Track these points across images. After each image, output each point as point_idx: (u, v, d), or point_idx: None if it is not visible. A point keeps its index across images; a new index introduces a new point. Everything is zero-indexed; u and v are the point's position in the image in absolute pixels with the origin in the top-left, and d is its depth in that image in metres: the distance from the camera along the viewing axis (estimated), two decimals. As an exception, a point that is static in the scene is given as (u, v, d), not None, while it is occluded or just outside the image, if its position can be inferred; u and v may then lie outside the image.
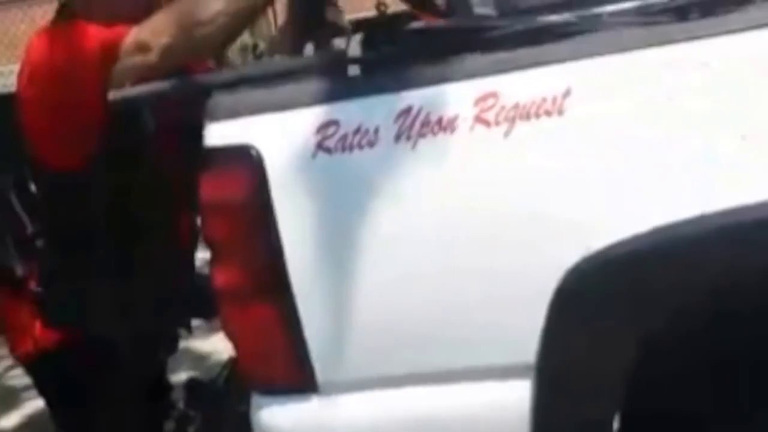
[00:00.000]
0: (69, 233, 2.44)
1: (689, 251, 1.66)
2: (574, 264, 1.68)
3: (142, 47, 2.18)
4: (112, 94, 1.91)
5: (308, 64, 1.89)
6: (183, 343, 4.14)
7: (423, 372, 1.80)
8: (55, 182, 2.41)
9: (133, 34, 2.20)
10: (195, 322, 3.89)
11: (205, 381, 2.72)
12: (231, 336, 1.88)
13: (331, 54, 1.86)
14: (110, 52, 2.21)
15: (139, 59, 2.18)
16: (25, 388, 4.03)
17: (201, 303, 2.65)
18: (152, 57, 2.17)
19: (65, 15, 2.40)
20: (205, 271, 2.00)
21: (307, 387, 1.82)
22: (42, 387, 2.70)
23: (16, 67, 2.63)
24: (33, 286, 2.51)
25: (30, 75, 2.36)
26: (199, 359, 3.92)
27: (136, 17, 2.26)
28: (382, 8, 2.64)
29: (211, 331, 3.91)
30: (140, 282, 2.45)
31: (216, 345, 3.77)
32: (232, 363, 2.63)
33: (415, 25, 2.07)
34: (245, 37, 5.90)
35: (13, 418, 3.81)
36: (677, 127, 1.68)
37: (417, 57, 1.81)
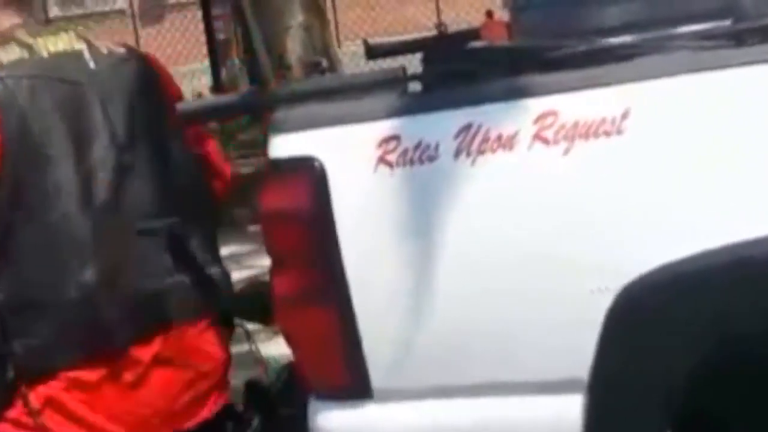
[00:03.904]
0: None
1: (743, 274, 1.67)
2: (628, 283, 1.69)
3: None
4: (182, 106, 1.97)
5: (371, 80, 1.93)
6: (243, 347, 4.21)
7: (476, 384, 1.82)
8: None
9: None
10: (254, 327, 3.95)
11: (263, 384, 2.75)
12: (289, 341, 1.92)
13: (393, 70, 1.90)
14: None
15: None
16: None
17: (261, 308, 2.69)
18: None
19: None
20: (266, 278, 2.05)
21: (362, 393, 1.86)
22: None
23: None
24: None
25: None
26: (258, 363, 3.97)
27: None
28: (442, 28, 2.67)
29: (272, 335, 3.95)
30: None
31: (275, 349, 3.81)
32: (290, 367, 2.67)
33: (476, 44, 2.10)
34: (307, 53, 6.00)
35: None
36: (735, 150, 1.69)
37: (478, 75, 1.84)
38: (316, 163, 1.79)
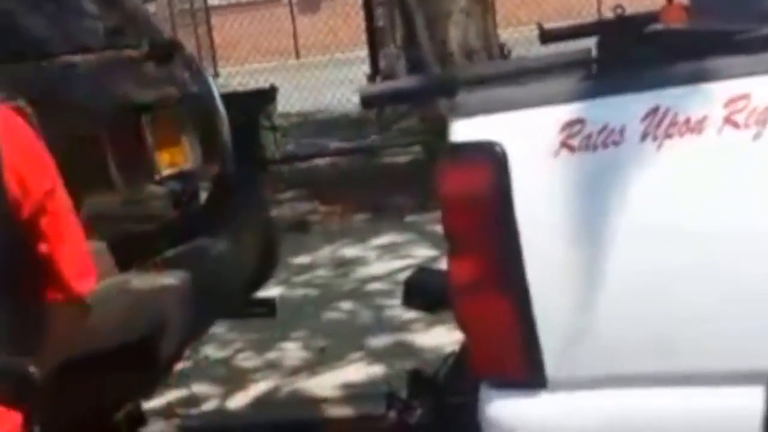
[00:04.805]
0: None
1: None
2: None
3: None
4: (363, 89, 1.97)
5: (554, 63, 1.90)
6: (404, 336, 4.25)
7: (655, 374, 1.79)
8: None
9: None
10: (416, 314, 3.97)
11: (427, 373, 2.76)
12: (464, 328, 1.91)
13: (576, 54, 1.86)
14: None
15: None
16: (254, 370, 4.21)
17: (424, 297, 2.70)
18: None
19: None
20: (434, 265, 2.04)
21: (537, 382, 1.84)
22: None
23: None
24: None
25: None
26: (419, 351, 4.00)
27: None
28: (620, 10, 2.62)
29: (432, 323, 3.98)
30: None
31: (436, 338, 3.83)
32: (453, 356, 2.67)
33: (658, 26, 2.05)
34: (467, 39, 6.00)
35: (240, 399, 3.98)
36: None
37: (665, 58, 1.80)
38: (498, 148, 1.77)
